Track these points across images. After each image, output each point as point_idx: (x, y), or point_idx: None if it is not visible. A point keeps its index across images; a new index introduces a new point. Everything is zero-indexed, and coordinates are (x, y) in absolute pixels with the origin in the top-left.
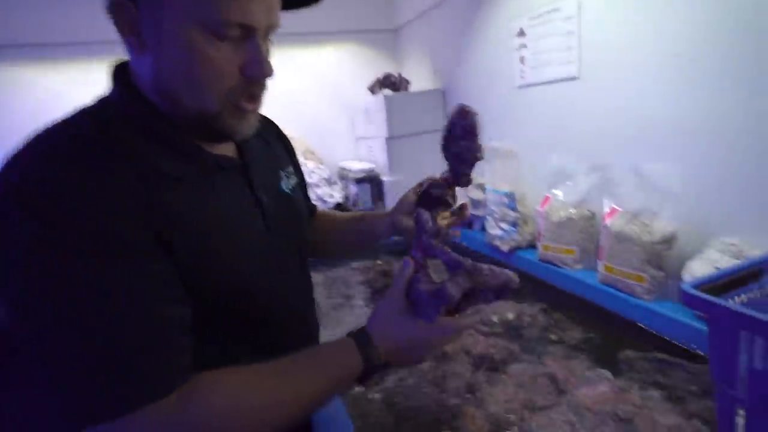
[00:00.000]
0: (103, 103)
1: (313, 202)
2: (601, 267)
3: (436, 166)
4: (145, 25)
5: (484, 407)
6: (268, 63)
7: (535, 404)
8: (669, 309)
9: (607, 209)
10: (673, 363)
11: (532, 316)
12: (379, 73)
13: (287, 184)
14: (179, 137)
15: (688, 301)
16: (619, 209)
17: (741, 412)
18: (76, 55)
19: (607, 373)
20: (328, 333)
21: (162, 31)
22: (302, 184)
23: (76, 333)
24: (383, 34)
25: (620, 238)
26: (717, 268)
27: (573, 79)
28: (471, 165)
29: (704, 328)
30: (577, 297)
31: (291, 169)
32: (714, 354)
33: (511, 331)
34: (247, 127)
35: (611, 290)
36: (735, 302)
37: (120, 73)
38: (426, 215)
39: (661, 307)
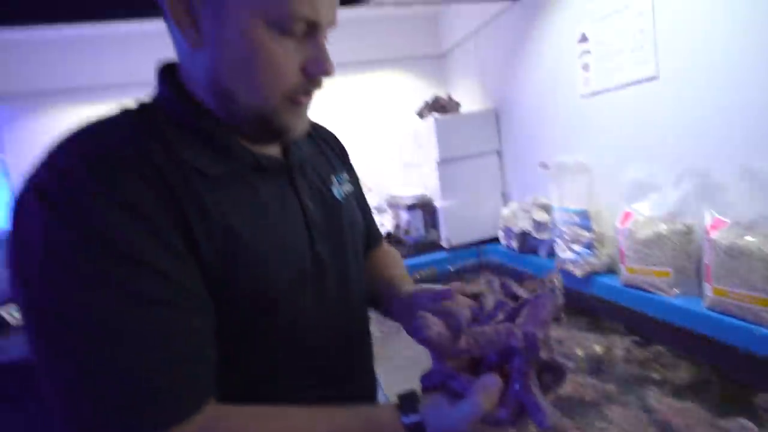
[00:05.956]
0: (147, 102)
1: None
2: (709, 290)
3: (490, 190)
4: (205, 17)
5: None
6: (330, 61)
7: None
8: None
9: (709, 221)
10: None
11: (625, 349)
12: (427, 98)
13: (340, 191)
14: (222, 135)
15: None
16: (726, 220)
17: None
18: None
19: (748, 423)
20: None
21: (223, 25)
22: (359, 195)
23: (94, 347)
24: (430, 60)
25: (732, 253)
26: None
27: (651, 79)
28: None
29: None
30: (675, 327)
31: (346, 176)
32: None
33: (600, 367)
34: (302, 123)
35: (725, 318)
36: None
37: (166, 72)
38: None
39: None
